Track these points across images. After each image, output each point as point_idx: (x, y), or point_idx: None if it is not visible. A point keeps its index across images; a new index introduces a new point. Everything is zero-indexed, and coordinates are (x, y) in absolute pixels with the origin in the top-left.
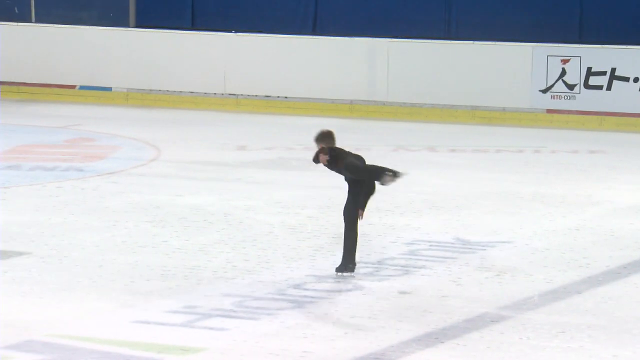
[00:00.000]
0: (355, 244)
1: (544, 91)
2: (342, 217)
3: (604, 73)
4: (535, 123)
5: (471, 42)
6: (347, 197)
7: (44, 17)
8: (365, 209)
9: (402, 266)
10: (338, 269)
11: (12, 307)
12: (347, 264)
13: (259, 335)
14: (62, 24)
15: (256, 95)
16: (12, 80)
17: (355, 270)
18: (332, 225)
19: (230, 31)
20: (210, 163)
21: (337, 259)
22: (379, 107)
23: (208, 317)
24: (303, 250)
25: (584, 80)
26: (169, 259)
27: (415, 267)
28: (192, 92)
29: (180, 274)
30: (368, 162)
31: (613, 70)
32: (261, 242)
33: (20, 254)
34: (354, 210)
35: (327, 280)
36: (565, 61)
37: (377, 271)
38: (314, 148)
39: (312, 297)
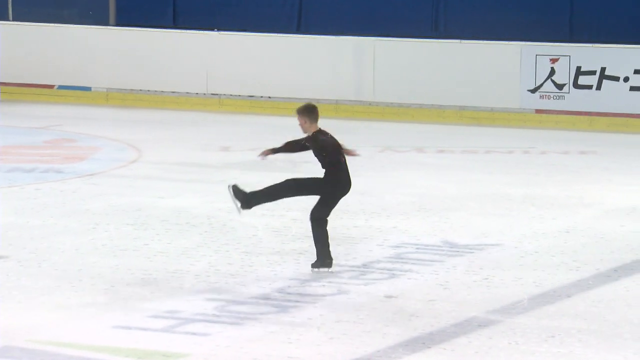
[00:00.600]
0: (327, 239)
1: (533, 91)
2: (310, 220)
3: (593, 72)
4: (525, 123)
5: (459, 41)
6: (317, 201)
7: (22, 15)
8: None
9: (388, 269)
10: (314, 265)
11: None
12: (324, 259)
13: (243, 340)
14: (41, 22)
15: (239, 95)
16: None
17: (332, 267)
18: None
19: (212, 30)
20: (193, 164)
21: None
22: (366, 107)
23: (190, 322)
24: (287, 253)
25: (574, 80)
26: (151, 262)
27: (402, 271)
28: (174, 92)
29: (162, 278)
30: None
31: (603, 69)
32: (245, 245)
33: None
34: (321, 217)
35: (311, 284)
36: (554, 60)
37: (363, 274)
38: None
39: (296, 301)
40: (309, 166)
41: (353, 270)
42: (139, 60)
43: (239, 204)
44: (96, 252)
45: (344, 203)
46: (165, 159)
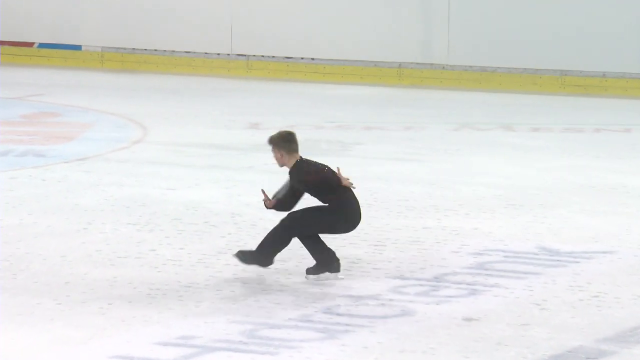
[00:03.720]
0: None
1: None
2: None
3: None
4: None
5: None
6: (309, 209)
7: None
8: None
9: (467, 284)
10: (309, 272)
11: None
12: (331, 262)
13: None
14: None
15: (273, 57)
16: None
17: (341, 270)
18: (375, 230)
19: None
20: (212, 146)
21: (382, 276)
22: (438, 72)
23: (210, 351)
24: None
25: None
26: (159, 273)
27: (486, 286)
28: (188, 52)
29: (173, 294)
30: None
31: None
32: (280, 252)
33: None
34: (293, 227)
35: (367, 302)
36: None
37: (434, 290)
38: (348, 125)
39: (347, 324)
40: None
41: (421, 285)
42: (142, 11)
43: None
44: (88, 260)
45: (410, 197)
46: (177, 138)
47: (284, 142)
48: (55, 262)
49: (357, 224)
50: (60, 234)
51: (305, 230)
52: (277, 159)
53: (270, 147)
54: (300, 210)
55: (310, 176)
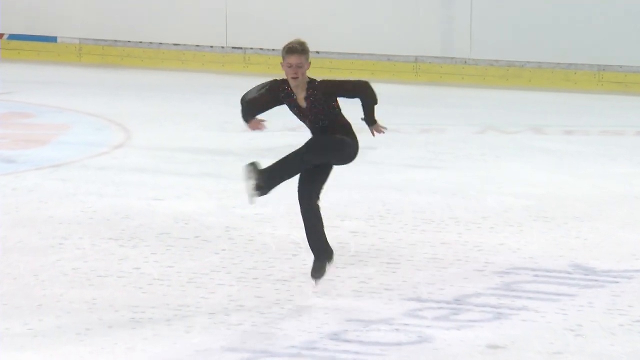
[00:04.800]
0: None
1: None
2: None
3: None
4: None
5: None
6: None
7: None
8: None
9: (492, 307)
10: (314, 275)
11: None
12: (327, 255)
13: None
14: None
15: (273, 50)
16: None
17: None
18: (388, 246)
19: None
20: (204, 151)
21: (396, 297)
22: (459, 68)
23: None
24: (343, 281)
25: None
26: (144, 294)
27: (513, 309)
28: (177, 45)
29: (160, 317)
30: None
31: None
32: (281, 269)
33: None
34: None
35: (379, 328)
36: None
37: (455, 314)
38: (358, 127)
39: (356, 352)
40: None
41: (441, 308)
42: None
43: (253, 189)
44: (64, 280)
45: (428, 209)
46: (165, 142)
47: (308, 49)
48: (27, 281)
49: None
50: (32, 250)
51: (324, 155)
52: (298, 70)
53: (293, 55)
54: (319, 138)
55: (344, 86)
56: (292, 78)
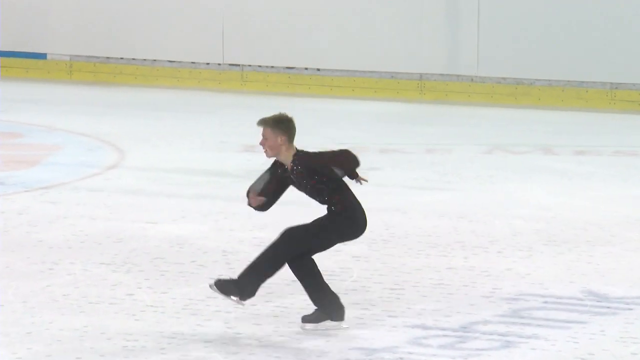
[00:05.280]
0: (323, 281)
1: None
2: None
3: None
4: None
5: None
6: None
7: None
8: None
9: (500, 334)
10: (307, 319)
11: None
12: (334, 308)
13: None
14: None
15: (272, 67)
16: None
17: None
18: (392, 271)
19: None
20: (200, 172)
21: (400, 325)
22: (466, 86)
23: None
24: (345, 308)
25: None
26: (137, 322)
27: (522, 337)
28: (172, 62)
29: (153, 346)
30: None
31: None
32: (281, 295)
33: None
34: (296, 239)
35: (382, 356)
36: None
37: (461, 342)
38: (360, 147)
39: None
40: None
41: (446, 336)
42: (118, 14)
43: (236, 298)
44: (54, 306)
45: (433, 233)
46: (159, 163)
47: (288, 127)
48: (16, 308)
49: (366, 227)
50: (21, 275)
51: (308, 244)
52: (271, 146)
53: (262, 128)
54: (299, 225)
55: (322, 159)
56: (264, 151)
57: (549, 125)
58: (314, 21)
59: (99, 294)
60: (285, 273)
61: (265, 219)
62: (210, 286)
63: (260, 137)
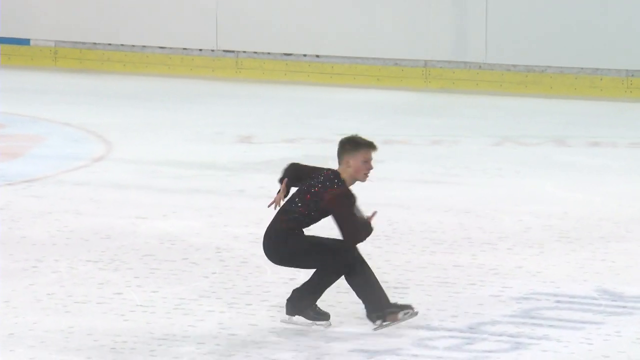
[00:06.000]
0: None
1: None
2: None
3: None
4: None
5: None
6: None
7: None
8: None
9: (510, 335)
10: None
11: None
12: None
13: None
14: None
15: (268, 54)
16: None
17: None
18: (395, 269)
19: None
20: (193, 165)
21: (404, 325)
22: (473, 73)
23: None
24: (346, 308)
25: None
26: (126, 322)
27: (533, 338)
28: (162, 48)
29: (143, 348)
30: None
31: None
32: (277, 294)
33: None
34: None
35: (385, 359)
36: None
37: (469, 343)
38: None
39: None
40: None
41: (453, 337)
42: None
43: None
44: (38, 306)
45: (439, 229)
46: (149, 155)
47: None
48: None
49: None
50: (3, 274)
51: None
52: (366, 163)
53: (373, 152)
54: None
55: (341, 217)
56: (365, 175)
57: (561, 115)
58: (313, 5)
59: (85, 293)
60: (284, 272)
61: (261, 214)
62: (379, 326)
63: (371, 161)
